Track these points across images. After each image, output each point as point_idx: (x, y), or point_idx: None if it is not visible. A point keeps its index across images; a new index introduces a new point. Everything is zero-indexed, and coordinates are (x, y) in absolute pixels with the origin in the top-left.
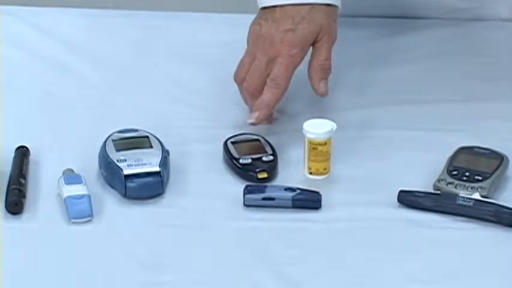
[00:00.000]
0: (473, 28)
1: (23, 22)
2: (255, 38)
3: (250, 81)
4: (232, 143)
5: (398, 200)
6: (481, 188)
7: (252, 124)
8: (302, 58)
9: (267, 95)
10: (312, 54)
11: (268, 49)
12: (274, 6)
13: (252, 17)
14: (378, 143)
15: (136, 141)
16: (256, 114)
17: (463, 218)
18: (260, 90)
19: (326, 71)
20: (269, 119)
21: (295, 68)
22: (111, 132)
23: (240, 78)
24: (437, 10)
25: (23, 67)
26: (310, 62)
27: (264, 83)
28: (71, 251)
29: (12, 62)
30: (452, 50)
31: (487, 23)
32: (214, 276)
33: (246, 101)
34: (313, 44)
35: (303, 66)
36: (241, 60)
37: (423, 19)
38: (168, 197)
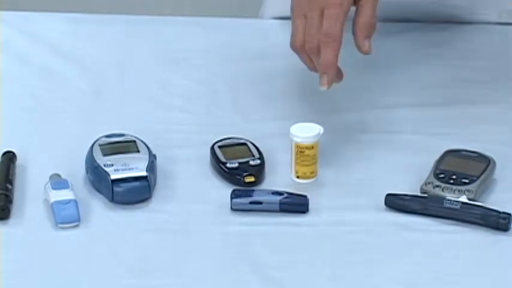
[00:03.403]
0: (461, 32)
1: (10, 27)
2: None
3: (310, 40)
4: (219, 147)
5: (386, 204)
6: (468, 191)
7: (326, 88)
8: (350, 5)
9: (326, 54)
10: (356, 12)
11: (314, 3)
12: None
13: (241, 21)
14: (365, 146)
15: (123, 146)
16: (325, 78)
17: (450, 221)
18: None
19: (371, 29)
20: (339, 76)
21: (345, 17)
22: (97, 137)
23: (299, 43)
24: (426, 14)
25: (9, 72)
26: (355, 19)
27: None
28: (58, 256)
29: (1, 66)
30: (439, 53)
31: (475, 26)
32: (201, 280)
33: (310, 67)
34: (358, 1)
35: (294, 71)
36: (293, 26)
37: (411, 22)
38: (155, 201)
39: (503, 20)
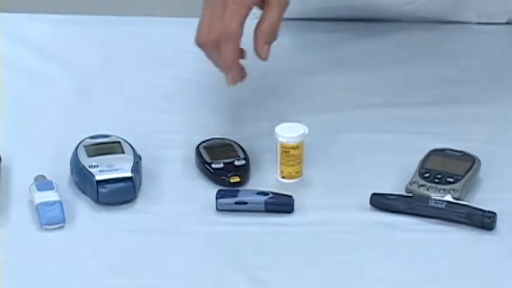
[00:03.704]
0: (443, 31)
1: None
2: None
3: (212, 33)
4: (205, 147)
5: (371, 203)
6: (453, 190)
7: (232, 85)
8: (253, 3)
9: (225, 53)
10: (261, 15)
11: None
12: None
13: None
14: (350, 146)
15: (108, 147)
16: (229, 77)
17: (436, 220)
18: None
19: (272, 35)
20: (242, 74)
21: (246, 14)
22: (82, 138)
23: (202, 39)
24: (407, 14)
25: None
26: (258, 22)
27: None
28: (43, 257)
29: None
30: (423, 53)
31: (457, 26)
32: (187, 281)
33: (215, 63)
34: (264, 4)
35: (272, 70)
36: (199, 22)
37: (393, 22)
38: (141, 202)
39: (482, 21)
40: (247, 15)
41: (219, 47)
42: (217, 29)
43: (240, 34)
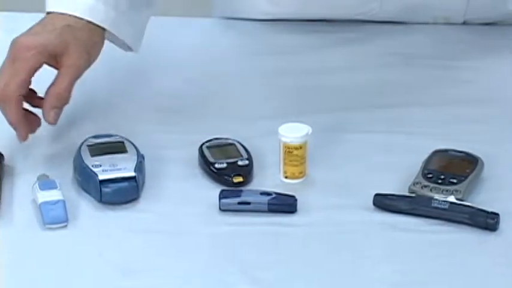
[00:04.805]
0: (445, 32)
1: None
2: (10, 44)
3: None
4: (208, 147)
5: (374, 204)
6: (456, 191)
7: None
8: (39, 64)
9: (7, 115)
10: (54, 79)
11: (11, 51)
12: (48, 13)
13: (230, 22)
14: (353, 146)
15: (111, 146)
16: (17, 135)
17: (439, 221)
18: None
19: (62, 100)
20: (33, 126)
21: (30, 73)
22: (85, 138)
23: None
24: (413, 15)
25: None
26: (48, 88)
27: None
28: (45, 256)
29: None
30: (424, 54)
31: (463, 27)
32: (189, 281)
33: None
34: (60, 65)
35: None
36: None
37: (399, 24)
38: (144, 202)
39: (439, 21)
40: (30, 74)
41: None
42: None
43: (22, 91)
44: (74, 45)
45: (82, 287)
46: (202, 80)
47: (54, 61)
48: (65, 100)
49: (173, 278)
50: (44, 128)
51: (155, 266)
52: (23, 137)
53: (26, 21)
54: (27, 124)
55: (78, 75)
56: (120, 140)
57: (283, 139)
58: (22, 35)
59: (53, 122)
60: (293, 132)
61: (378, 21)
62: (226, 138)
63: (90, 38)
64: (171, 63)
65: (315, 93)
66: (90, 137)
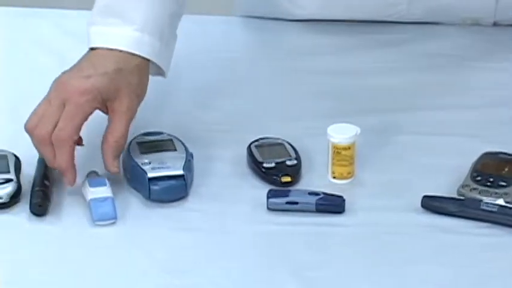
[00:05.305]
0: (492, 34)
1: (51, 25)
2: (53, 84)
3: (41, 126)
4: (256, 146)
5: (422, 205)
6: (506, 194)
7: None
8: (93, 108)
9: (59, 158)
10: (107, 126)
11: (59, 91)
12: (92, 49)
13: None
14: (402, 147)
15: (160, 144)
16: (66, 180)
17: (487, 224)
18: (49, 138)
19: (121, 148)
20: (75, 174)
21: (84, 119)
22: (135, 135)
23: (30, 126)
24: (440, 16)
25: (50, 70)
26: (105, 133)
27: (54, 129)
28: (94, 253)
29: (43, 66)
30: (473, 55)
31: (509, 28)
32: (236, 280)
33: (41, 154)
34: (111, 110)
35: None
36: (36, 107)
37: (445, 25)
38: (192, 200)
39: (467, 23)
40: (85, 119)
41: (45, 141)
42: (47, 122)
43: (75, 137)
44: (126, 90)
45: (129, 284)
46: (253, 79)
47: (104, 106)
48: (123, 147)
49: (220, 276)
50: (95, 125)
51: (202, 265)
52: (72, 182)
53: (76, 18)
54: (75, 170)
55: (131, 120)
56: (169, 138)
57: (332, 139)
58: (70, 75)
59: (117, 172)
60: (342, 133)
61: (405, 22)
62: (275, 138)
63: (140, 80)
64: (222, 62)
65: (364, 94)
66: (139, 135)
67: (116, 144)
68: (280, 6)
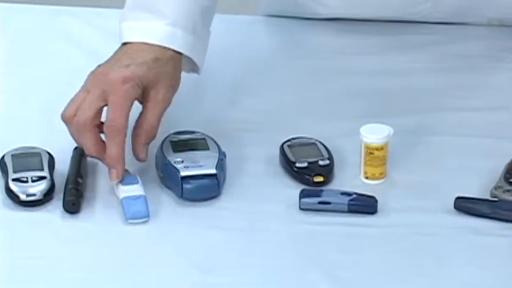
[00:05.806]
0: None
1: (85, 23)
2: (91, 76)
3: (80, 114)
4: (289, 146)
5: (455, 207)
6: None
7: (116, 181)
8: (135, 96)
9: (112, 149)
10: (141, 113)
11: (98, 81)
12: (125, 44)
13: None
14: (434, 148)
15: (193, 143)
16: (113, 172)
17: None
18: (90, 123)
19: (152, 136)
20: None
21: (131, 104)
22: (168, 134)
23: (68, 114)
24: (483, 16)
25: (84, 68)
26: (137, 122)
27: (95, 115)
28: (127, 250)
29: (77, 64)
30: (503, 56)
31: None
32: (268, 279)
33: (79, 144)
34: (147, 99)
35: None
36: (73, 97)
37: (480, 26)
38: (224, 199)
39: (493, 23)
40: (131, 106)
41: (85, 127)
42: (86, 112)
43: (126, 127)
44: (163, 80)
45: (161, 282)
46: (285, 79)
47: (141, 95)
48: (154, 136)
49: (252, 276)
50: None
51: (234, 264)
52: (120, 176)
53: (112, 16)
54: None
55: (165, 110)
56: (202, 137)
57: (365, 140)
58: (108, 65)
59: (145, 159)
60: (374, 133)
61: (430, 22)
62: (308, 138)
63: (175, 71)
64: (254, 62)
65: (397, 94)
66: (173, 133)
67: (147, 131)
68: (304, 5)
